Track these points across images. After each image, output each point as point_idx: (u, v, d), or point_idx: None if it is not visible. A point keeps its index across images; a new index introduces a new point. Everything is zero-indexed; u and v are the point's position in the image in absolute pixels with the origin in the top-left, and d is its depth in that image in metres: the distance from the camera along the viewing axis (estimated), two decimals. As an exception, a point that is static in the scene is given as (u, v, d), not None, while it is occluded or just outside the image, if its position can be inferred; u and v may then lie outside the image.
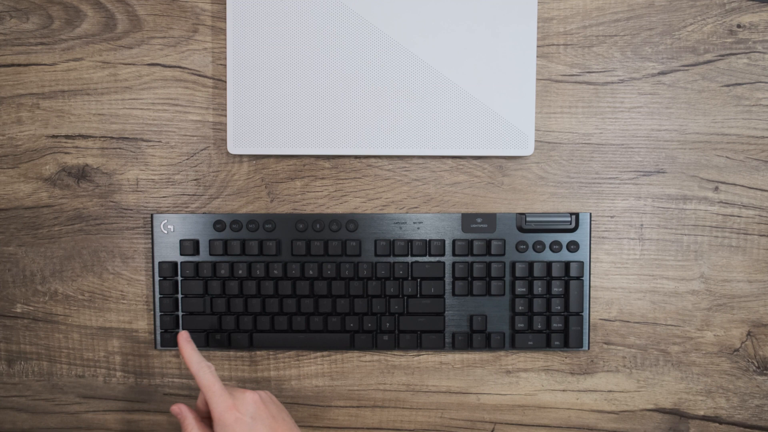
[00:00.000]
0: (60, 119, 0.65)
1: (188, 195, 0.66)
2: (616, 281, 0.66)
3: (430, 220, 0.64)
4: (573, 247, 0.64)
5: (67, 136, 0.65)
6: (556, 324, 0.64)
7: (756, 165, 0.65)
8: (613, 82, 0.65)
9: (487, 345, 0.64)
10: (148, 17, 0.64)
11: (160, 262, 0.64)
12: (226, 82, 0.64)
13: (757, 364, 0.66)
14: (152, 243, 0.64)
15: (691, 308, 0.66)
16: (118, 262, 0.66)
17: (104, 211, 0.66)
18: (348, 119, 0.63)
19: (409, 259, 0.64)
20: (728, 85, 0.64)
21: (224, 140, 0.65)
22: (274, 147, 0.63)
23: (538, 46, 0.64)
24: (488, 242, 0.64)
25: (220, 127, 0.65)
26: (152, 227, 0.64)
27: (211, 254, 0.64)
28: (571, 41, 0.64)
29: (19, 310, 0.67)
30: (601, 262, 0.66)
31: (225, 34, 0.64)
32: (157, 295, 0.64)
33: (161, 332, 0.65)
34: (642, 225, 0.66)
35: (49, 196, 0.66)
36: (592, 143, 0.65)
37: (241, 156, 0.66)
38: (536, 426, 0.67)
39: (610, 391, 0.67)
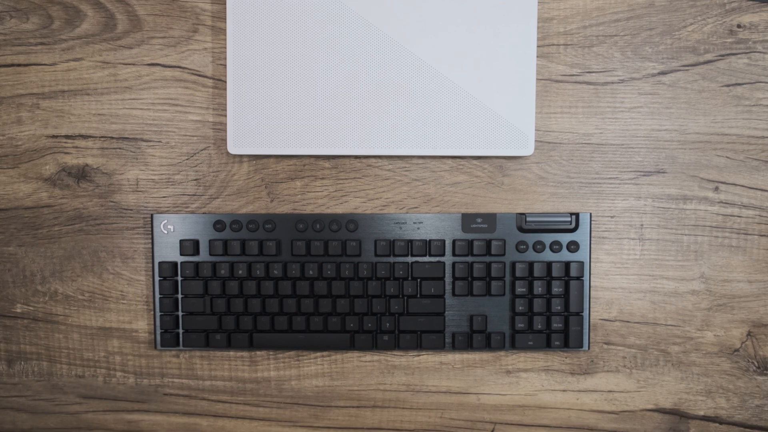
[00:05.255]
0: (60, 119, 0.65)
1: (188, 195, 0.66)
2: (616, 281, 0.66)
3: (430, 220, 0.64)
4: (573, 247, 0.64)
5: (67, 136, 0.65)
6: (556, 324, 0.64)
7: (756, 165, 0.65)
8: (613, 82, 0.65)
9: (487, 345, 0.64)
10: (148, 17, 0.64)
11: (160, 262, 0.64)
12: (226, 82, 0.64)
13: (757, 364, 0.66)
14: (152, 243, 0.64)
15: (691, 308, 0.66)
16: (118, 262, 0.66)
17: (104, 211, 0.66)
18: (348, 119, 0.63)
19: (409, 259, 0.64)
20: (728, 85, 0.64)
21: (224, 140, 0.65)
22: (274, 147, 0.63)
23: (538, 46, 0.64)
24: (488, 242, 0.64)
25: (220, 127, 0.65)
26: (152, 227, 0.64)
27: (211, 254, 0.64)
28: (571, 41, 0.64)
29: (19, 310, 0.67)
30: (601, 262, 0.66)
31: (225, 34, 0.64)
32: (157, 295, 0.64)
33: (161, 332, 0.65)
34: (642, 225, 0.66)
35: (49, 196, 0.66)
36: (592, 143, 0.65)
37: (241, 156, 0.66)
38: (536, 426, 0.67)
39: (610, 391, 0.67)
